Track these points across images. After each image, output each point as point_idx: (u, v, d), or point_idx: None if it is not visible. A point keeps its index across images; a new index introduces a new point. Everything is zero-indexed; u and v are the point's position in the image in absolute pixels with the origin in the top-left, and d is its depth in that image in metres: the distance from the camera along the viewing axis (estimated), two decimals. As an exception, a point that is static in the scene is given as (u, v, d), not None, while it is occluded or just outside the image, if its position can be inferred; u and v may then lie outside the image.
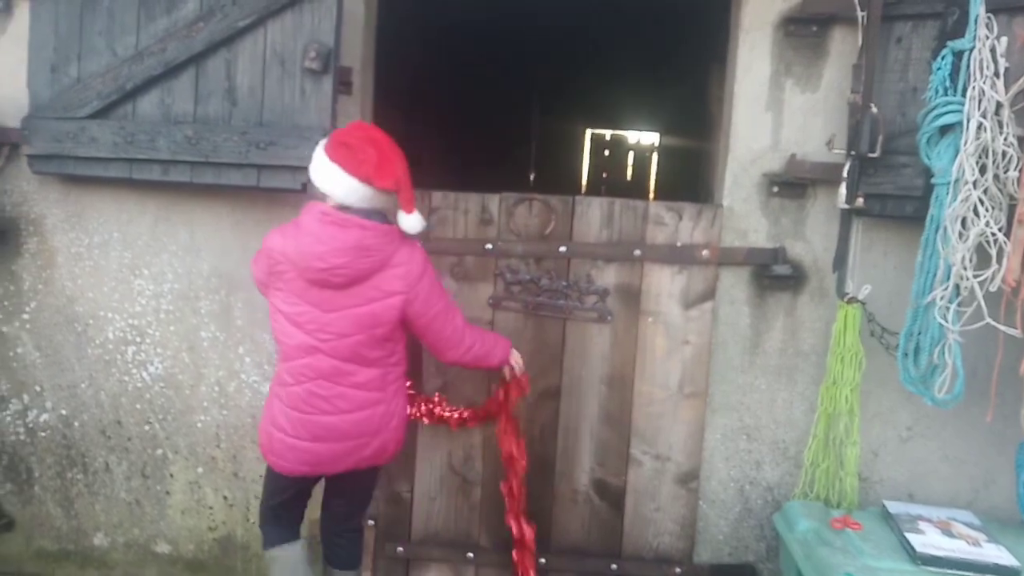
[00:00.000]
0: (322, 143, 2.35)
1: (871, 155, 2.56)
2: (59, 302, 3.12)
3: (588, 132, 8.65)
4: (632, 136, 8.85)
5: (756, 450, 2.93)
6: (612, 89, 7.75)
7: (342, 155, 2.24)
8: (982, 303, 2.25)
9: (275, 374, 2.47)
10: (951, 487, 2.85)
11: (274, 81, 2.66)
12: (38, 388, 3.16)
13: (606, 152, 8.98)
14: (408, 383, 2.58)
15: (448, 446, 3.01)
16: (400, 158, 2.31)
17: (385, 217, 2.33)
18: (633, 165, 8.98)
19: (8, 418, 3.18)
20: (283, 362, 2.38)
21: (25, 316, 3.13)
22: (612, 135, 8.86)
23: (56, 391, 3.15)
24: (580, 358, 2.92)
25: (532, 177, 7.32)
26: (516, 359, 2.64)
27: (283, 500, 2.55)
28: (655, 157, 8.80)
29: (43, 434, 3.18)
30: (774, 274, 2.81)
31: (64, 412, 3.16)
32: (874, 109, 2.54)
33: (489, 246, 2.89)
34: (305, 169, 2.64)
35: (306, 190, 2.71)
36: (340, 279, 2.24)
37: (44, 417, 3.17)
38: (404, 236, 2.35)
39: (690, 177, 6.04)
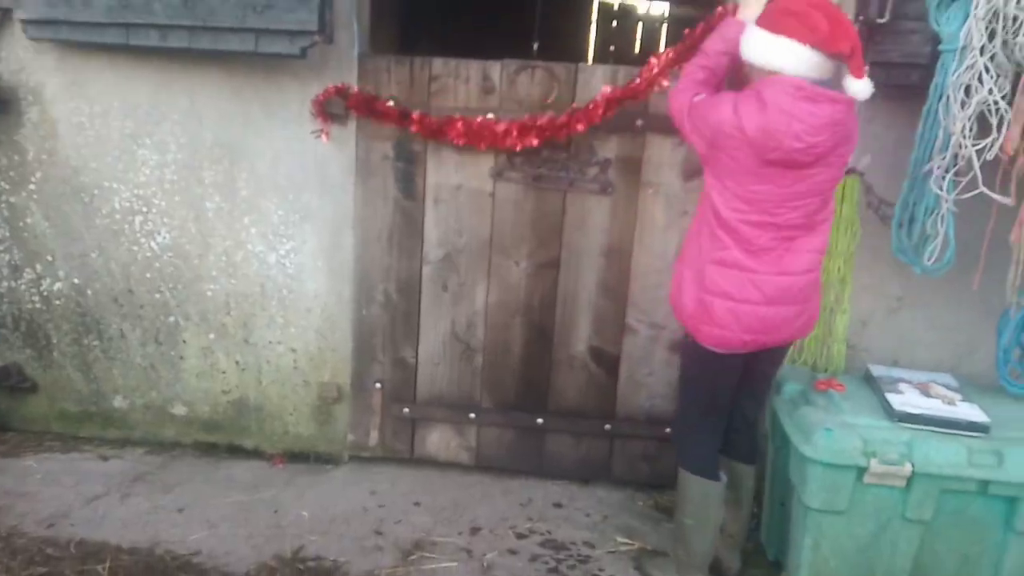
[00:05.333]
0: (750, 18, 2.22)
1: (879, 20, 2.50)
2: (64, 172, 3.14)
3: (595, 1, 8.33)
4: (641, 5, 8.53)
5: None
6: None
7: (791, 25, 2.11)
8: (978, 172, 2.26)
9: (702, 242, 2.29)
10: (936, 354, 2.95)
11: (269, -60, 2.58)
12: (50, 258, 3.23)
13: (614, 23, 8.68)
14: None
15: (451, 314, 3.10)
16: (848, 20, 2.17)
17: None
18: (641, 37, 8.70)
19: (23, 287, 3.27)
20: (722, 231, 2.24)
21: (32, 187, 3.17)
22: (620, 4, 8.53)
23: (68, 260, 3.23)
24: (580, 230, 2.97)
25: (536, 47, 7.10)
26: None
27: (722, 403, 2.44)
28: (664, 28, 8.52)
29: (58, 302, 3.28)
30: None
31: (77, 281, 3.25)
32: (887, -29, 2.47)
33: (491, 115, 2.88)
34: (303, 34, 2.61)
35: (305, 55, 2.68)
36: (811, 158, 2.13)
37: (58, 286, 3.26)
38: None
39: None
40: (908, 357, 2.96)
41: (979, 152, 2.27)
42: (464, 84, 2.90)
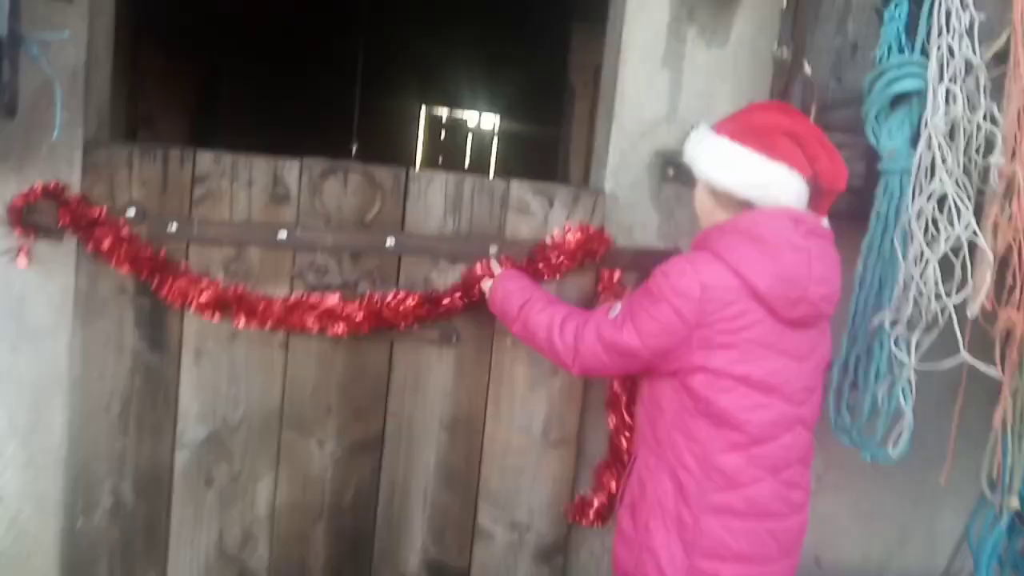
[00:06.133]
0: (715, 128, 1.67)
1: (800, 131, 1.94)
2: None
3: (423, 109, 7.81)
4: (472, 118, 8.12)
5: (638, 510, 2.26)
6: (450, 64, 6.98)
7: (791, 151, 1.58)
8: (959, 334, 1.67)
9: (683, 485, 1.59)
10: (862, 547, 2.34)
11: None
12: None
13: (443, 134, 8.19)
14: None
15: (219, 522, 2.09)
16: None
17: None
18: (472, 149, 8.26)
19: None
20: (731, 452, 1.56)
21: None
22: (450, 115, 8.08)
23: None
24: (413, 395, 2.12)
25: (354, 150, 6.34)
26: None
27: None
28: (495, 141, 8.13)
29: None
30: (668, 283, 2.15)
31: None
32: (808, 69, 1.93)
33: (284, 234, 2.02)
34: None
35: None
36: (830, 308, 1.62)
37: None
38: None
39: (534, 165, 5.44)
40: (831, 552, 2.32)
41: (954, 306, 1.70)
42: (246, 189, 2.03)
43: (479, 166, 8.17)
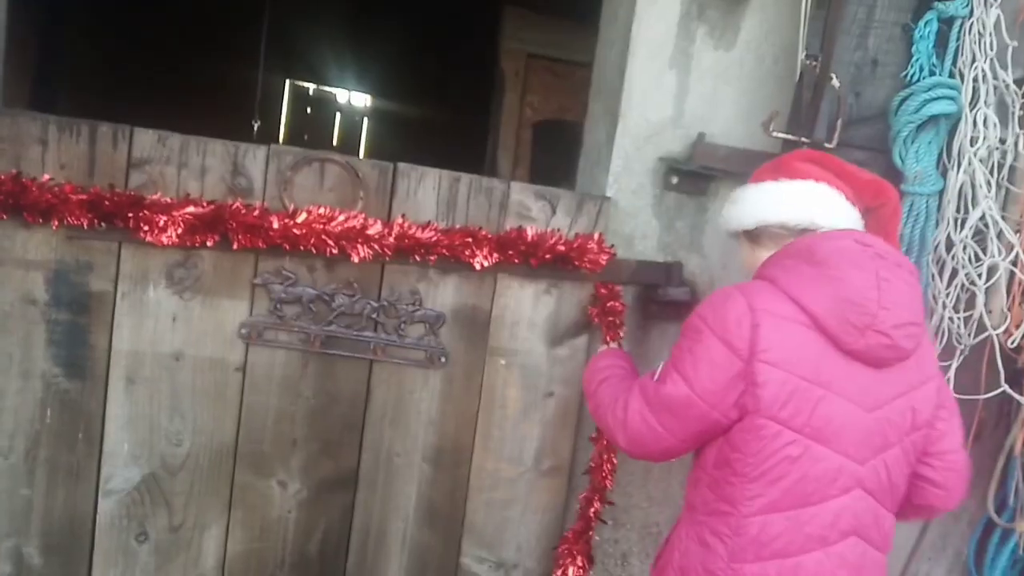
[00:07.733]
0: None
1: (827, 145, 1.85)
2: None
3: (287, 83, 7.21)
4: (341, 95, 7.59)
5: (624, 539, 2.12)
6: (317, 35, 6.47)
7: (807, 169, 1.50)
8: (1000, 363, 1.65)
9: (720, 551, 1.37)
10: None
11: None
12: None
13: (308, 110, 7.60)
14: None
15: (154, 582, 1.72)
16: None
17: None
18: (341, 128, 7.73)
19: None
20: (769, 513, 1.34)
21: None
22: (316, 90, 7.50)
23: None
24: (394, 424, 1.84)
25: (256, 127, 5.68)
26: None
27: None
28: (365, 122, 7.67)
29: None
30: (668, 299, 2.00)
31: None
32: (836, 82, 1.84)
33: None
34: None
35: None
36: (906, 348, 1.36)
37: None
38: None
39: (412, 150, 5.15)
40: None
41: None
42: (196, 178, 1.65)
43: (349, 144, 7.69)
